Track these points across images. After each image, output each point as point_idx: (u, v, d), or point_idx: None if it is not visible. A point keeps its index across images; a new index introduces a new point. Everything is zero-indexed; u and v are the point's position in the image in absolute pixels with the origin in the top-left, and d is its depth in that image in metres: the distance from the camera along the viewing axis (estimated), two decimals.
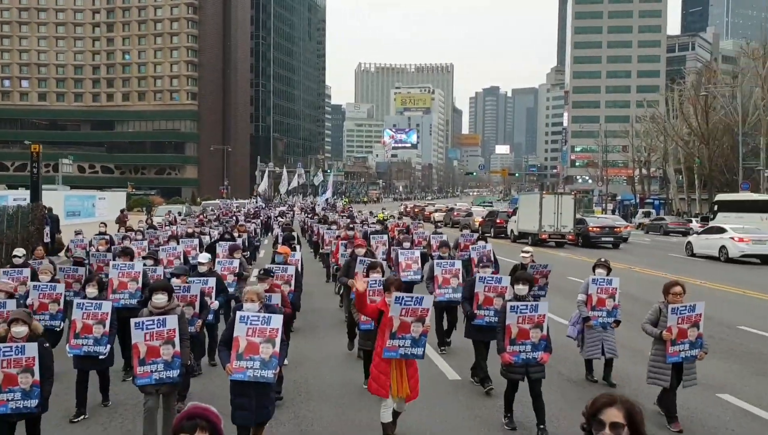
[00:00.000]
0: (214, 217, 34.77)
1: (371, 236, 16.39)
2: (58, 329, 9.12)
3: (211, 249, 14.65)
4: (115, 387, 8.65)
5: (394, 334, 6.36)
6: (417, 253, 12.86)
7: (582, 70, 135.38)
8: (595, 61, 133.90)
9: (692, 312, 7.27)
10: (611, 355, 8.90)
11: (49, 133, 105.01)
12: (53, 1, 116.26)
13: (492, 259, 10.94)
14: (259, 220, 32.29)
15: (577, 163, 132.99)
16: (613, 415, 2.70)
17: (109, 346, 7.65)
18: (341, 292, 14.31)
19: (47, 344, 6.24)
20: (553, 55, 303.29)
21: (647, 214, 60.86)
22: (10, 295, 8.01)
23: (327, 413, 7.85)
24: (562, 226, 33.18)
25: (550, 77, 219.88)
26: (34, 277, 10.07)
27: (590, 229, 34.25)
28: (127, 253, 10.91)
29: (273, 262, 10.81)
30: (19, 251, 11.69)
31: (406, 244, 13.66)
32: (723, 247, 28.16)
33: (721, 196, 46.43)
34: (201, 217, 33.43)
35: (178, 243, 15.06)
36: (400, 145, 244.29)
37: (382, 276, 8.61)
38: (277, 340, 5.95)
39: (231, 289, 11.24)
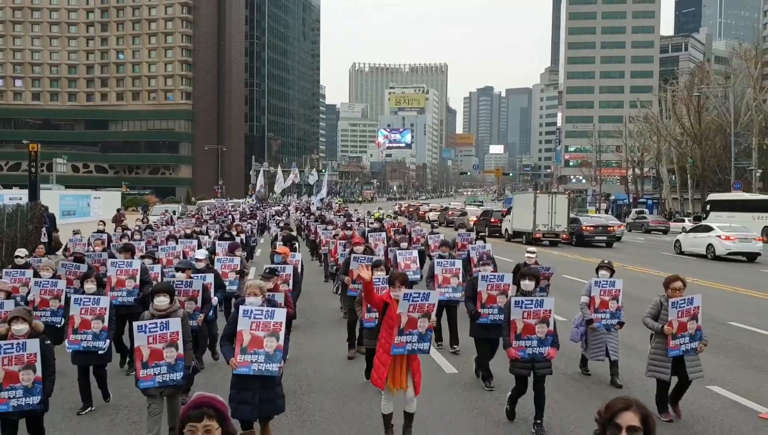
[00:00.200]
0: (210, 216, 34.93)
1: (369, 234, 16.55)
2: (59, 326, 9.09)
3: (211, 249, 14.75)
4: (120, 381, 8.84)
5: (402, 330, 6.36)
6: (415, 253, 12.96)
7: (576, 71, 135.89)
8: (588, 61, 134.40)
9: (690, 305, 7.38)
10: (615, 357, 8.91)
11: (43, 133, 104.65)
12: (47, 1, 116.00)
13: (491, 257, 10.91)
14: (255, 220, 32.39)
15: (570, 163, 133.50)
16: (629, 418, 2.70)
17: (108, 341, 7.66)
18: (339, 291, 14.47)
19: (48, 341, 6.19)
20: (547, 56, 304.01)
21: (641, 214, 61.25)
22: (8, 295, 7.95)
23: (328, 405, 8.06)
24: (556, 225, 33.44)
25: (544, 77, 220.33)
26: (37, 277, 9.95)
27: (584, 228, 34.54)
28: (128, 250, 11.01)
29: (272, 262, 10.91)
30: (22, 251, 11.65)
31: (404, 244, 13.76)
32: (710, 245, 28.59)
33: (713, 196, 46.83)
34: (198, 216, 33.55)
35: (177, 242, 15.13)
36: (394, 144, 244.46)
37: (386, 274, 8.58)
38: (281, 334, 5.97)
39: (233, 287, 11.38)
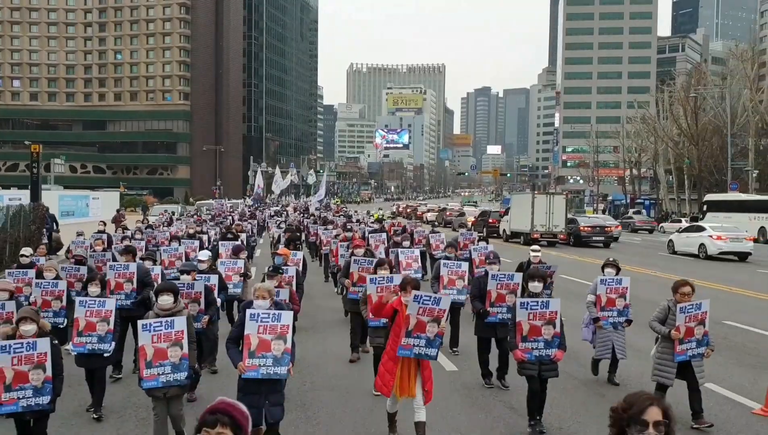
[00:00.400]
0: (209, 217, 35.05)
1: (370, 235, 16.66)
2: (61, 326, 9.14)
3: (213, 249, 14.83)
4: (127, 379, 8.99)
5: (410, 333, 6.29)
6: (417, 252, 13.03)
7: (573, 71, 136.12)
8: (586, 62, 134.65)
9: (698, 310, 7.32)
10: (620, 357, 8.92)
11: (41, 133, 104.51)
12: (45, 1, 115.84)
13: (497, 256, 10.83)
14: (254, 221, 32.53)
15: (568, 164, 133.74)
16: (655, 413, 2.70)
17: (113, 344, 7.62)
18: (343, 292, 14.54)
19: (56, 341, 6.20)
20: (544, 56, 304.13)
21: (626, 215, 61.53)
22: (11, 295, 7.96)
23: (332, 402, 8.25)
24: (553, 225, 33.63)
25: (542, 78, 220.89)
26: (39, 277, 9.99)
27: (581, 228, 34.75)
28: (130, 252, 11.03)
29: (273, 263, 10.99)
30: (27, 250, 11.70)
31: (406, 244, 13.83)
32: (702, 244, 29.03)
33: (710, 197, 47.09)
34: (198, 217, 33.67)
35: (179, 244, 15.08)
36: (391, 145, 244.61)
37: (390, 273, 8.73)
38: (289, 337, 5.96)
39: (237, 290, 11.39)
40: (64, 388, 6.16)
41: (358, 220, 26.32)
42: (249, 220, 30.81)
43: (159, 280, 10.33)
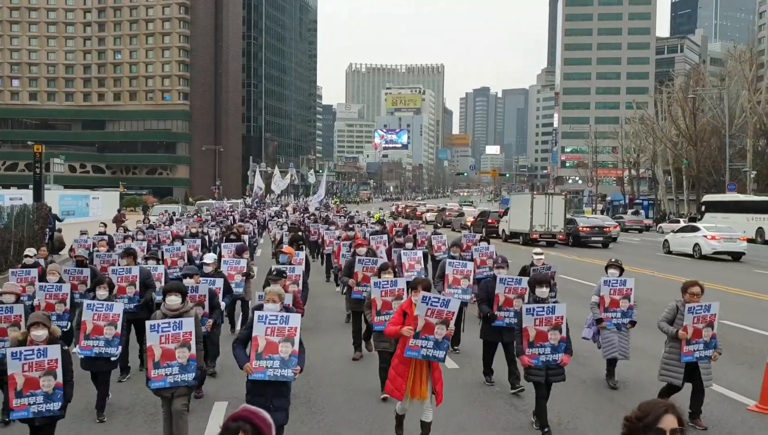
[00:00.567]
0: (209, 217, 35.19)
1: (371, 237, 16.74)
2: (65, 329, 9.01)
3: (214, 250, 14.92)
4: (134, 376, 9.13)
5: (418, 334, 6.29)
6: (420, 254, 13.01)
7: (572, 72, 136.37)
8: (585, 62, 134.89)
9: (707, 312, 7.29)
10: (623, 358, 8.93)
11: (40, 133, 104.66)
12: (44, 1, 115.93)
13: (505, 260, 10.40)
14: (255, 221, 32.67)
15: (567, 164, 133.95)
16: (671, 421, 2.67)
17: (120, 348, 7.63)
18: (345, 291, 14.62)
19: (66, 347, 6.24)
20: (543, 57, 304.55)
21: (636, 214, 61.73)
22: (18, 298, 7.96)
23: (337, 397, 8.46)
24: (552, 225, 33.78)
25: (541, 78, 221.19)
26: (42, 279, 9.98)
27: (580, 228, 34.90)
28: (131, 254, 11.11)
29: (277, 262, 11.08)
30: (31, 251, 11.71)
31: (409, 245, 13.76)
32: (696, 244, 29.33)
33: (708, 197, 47.29)
34: (199, 217, 33.80)
35: (182, 243, 15.08)
36: (390, 145, 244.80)
37: (394, 277, 8.72)
38: (296, 339, 5.98)
39: (239, 290, 11.37)
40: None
41: (359, 222, 26.43)
42: (250, 220, 30.95)
43: (162, 280, 10.44)
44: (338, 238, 17.54)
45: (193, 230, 19.67)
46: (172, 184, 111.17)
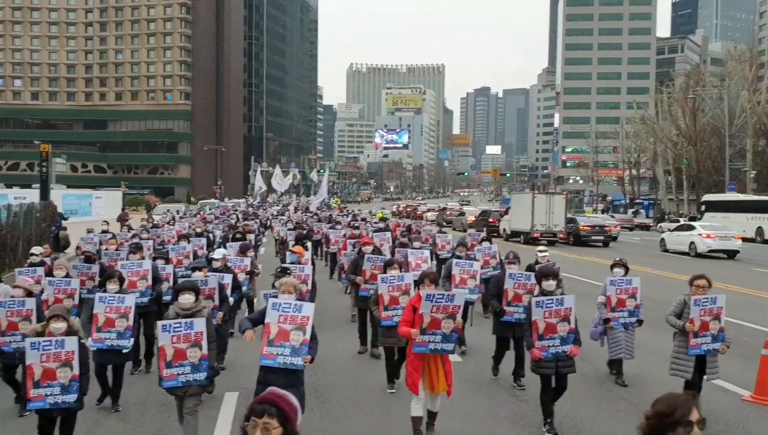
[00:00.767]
0: (213, 216, 35.40)
1: (374, 235, 16.90)
2: None
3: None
4: (149, 376, 9.36)
5: (425, 330, 6.38)
6: (426, 253, 13.05)
7: (573, 72, 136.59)
8: (585, 62, 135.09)
9: (714, 304, 7.32)
10: (628, 357, 9.00)
11: (42, 133, 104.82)
12: (46, 1, 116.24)
13: (517, 256, 10.26)
14: (258, 220, 32.92)
15: (568, 164, 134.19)
16: (696, 413, 2.69)
17: (132, 340, 7.72)
18: (349, 291, 14.78)
19: (84, 340, 6.33)
20: (544, 56, 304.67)
21: (636, 214, 62.00)
22: (29, 293, 8.04)
23: (343, 386, 8.77)
24: (553, 224, 34.03)
25: (542, 78, 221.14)
26: (50, 275, 10.00)
27: (581, 227, 35.16)
28: (140, 248, 11.27)
29: (281, 261, 11.26)
30: (37, 249, 11.75)
31: (416, 244, 13.73)
32: (692, 243, 29.83)
33: (708, 197, 47.50)
34: (204, 216, 34.02)
35: (188, 242, 15.18)
36: (391, 145, 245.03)
37: (400, 272, 8.81)
38: (308, 328, 6.02)
39: (243, 288, 11.45)
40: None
41: (363, 219, 26.65)
42: (253, 220, 31.17)
43: (171, 279, 10.56)
44: (343, 236, 17.69)
45: (198, 230, 19.86)
46: (174, 183, 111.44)
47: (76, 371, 5.96)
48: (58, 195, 45.04)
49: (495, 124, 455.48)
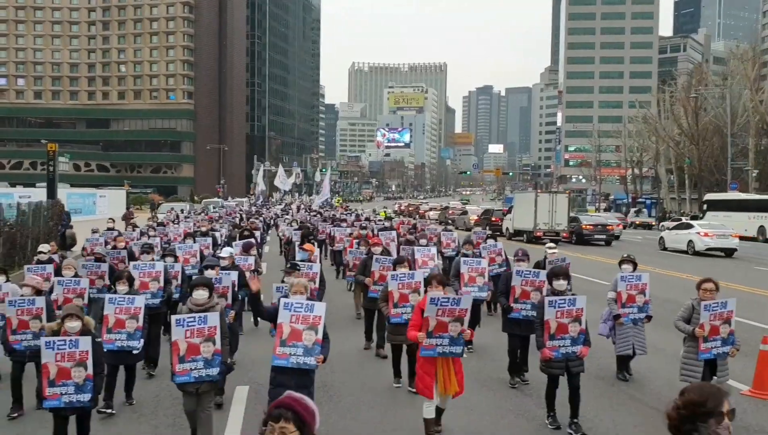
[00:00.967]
0: (218, 215, 35.61)
1: (380, 233, 17.02)
2: None
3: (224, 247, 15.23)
4: (162, 379, 9.56)
5: (431, 333, 6.37)
6: (433, 250, 13.12)
7: (575, 71, 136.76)
8: (588, 61, 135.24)
9: (724, 308, 7.28)
10: (641, 353, 9.03)
11: (45, 132, 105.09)
12: (49, 0, 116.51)
13: (526, 253, 10.17)
14: (262, 218, 33.15)
15: (570, 163, 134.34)
16: (727, 404, 2.68)
17: (142, 341, 7.75)
18: (353, 289, 14.93)
19: (99, 339, 6.40)
20: (546, 55, 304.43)
21: (638, 213, 62.10)
22: (38, 292, 8.07)
23: (351, 382, 9.00)
24: (556, 223, 34.20)
25: (544, 77, 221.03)
26: (58, 273, 10.06)
27: (584, 226, 35.33)
28: (152, 249, 11.29)
29: (286, 260, 11.40)
30: (45, 248, 11.80)
31: (423, 241, 13.81)
32: (690, 241, 30.19)
33: (710, 196, 47.62)
34: (210, 215, 34.19)
35: (194, 241, 15.14)
36: (393, 144, 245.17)
37: (409, 270, 8.88)
38: (320, 328, 6.06)
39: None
40: None
41: (367, 218, 26.78)
42: (256, 218, 31.38)
43: (179, 277, 10.62)
44: (349, 235, 17.78)
45: (203, 229, 20.02)
46: (177, 182, 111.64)
47: (90, 371, 6.00)
48: (63, 194, 45.24)
49: (497, 122, 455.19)
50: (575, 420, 7.04)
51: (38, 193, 37.40)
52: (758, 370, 8.56)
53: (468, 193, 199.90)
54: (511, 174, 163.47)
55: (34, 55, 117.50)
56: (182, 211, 39.96)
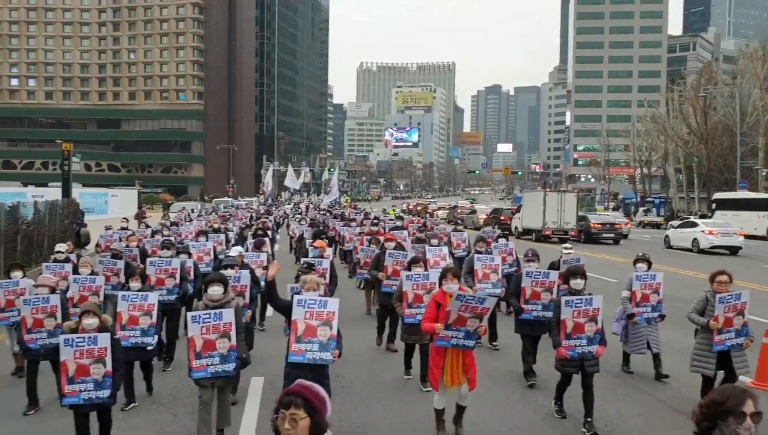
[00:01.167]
0: (228, 214, 35.93)
1: (391, 232, 17.18)
2: None
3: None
4: (177, 362, 9.82)
5: (449, 326, 6.44)
6: (445, 250, 13.19)
7: (584, 70, 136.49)
8: (597, 60, 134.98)
9: (738, 300, 7.36)
10: (657, 350, 9.04)
11: (56, 132, 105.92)
12: (60, 1, 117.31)
13: (536, 254, 10.11)
14: (272, 217, 33.46)
15: (579, 162, 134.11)
16: (751, 405, 2.69)
17: (156, 337, 7.83)
18: (362, 286, 15.02)
19: (117, 336, 6.51)
20: (555, 55, 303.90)
21: (647, 213, 62.04)
22: (53, 290, 8.15)
23: (364, 375, 9.23)
24: (565, 222, 34.34)
25: (553, 76, 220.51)
26: (75, 271, 10.21)
27: (592, 225, 35.46)
28: (172, 244, 11.56)
29: (296, 258, 11.58)
30: (62, 247, 11.96)
31: (434, 241, 13.93)
32: (695, 239, 30.48)
33: (719, 195, 47.54)
34: (223, 214, 34.52)
35: (207, 239, 15.22)
36: (401, 143, 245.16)
37: (425, 270, 8.95)
38: (335, 323, 6.17)
39: (261, 282, 12.00)
40: None
41: (376, 217, 26.94)
42: (267, 217, 31.67)
43: (191, 273, 10.80)
44: (359, 234, 17.93)
45: (216, 226, 20.28)
46: (187, 182, 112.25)
47: (109, 367, 6.04)
48: (75, 193, 45.57)
49: (506, 122, 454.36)
50: (589, 419, 7.03)
51: (51, 193, 37.80)
52: (761, 362, 8.74)
53: (477, 192, 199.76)
54: (520, 173, 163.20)
55: (45, 55, 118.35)
56: (193, 210, 40.31)
